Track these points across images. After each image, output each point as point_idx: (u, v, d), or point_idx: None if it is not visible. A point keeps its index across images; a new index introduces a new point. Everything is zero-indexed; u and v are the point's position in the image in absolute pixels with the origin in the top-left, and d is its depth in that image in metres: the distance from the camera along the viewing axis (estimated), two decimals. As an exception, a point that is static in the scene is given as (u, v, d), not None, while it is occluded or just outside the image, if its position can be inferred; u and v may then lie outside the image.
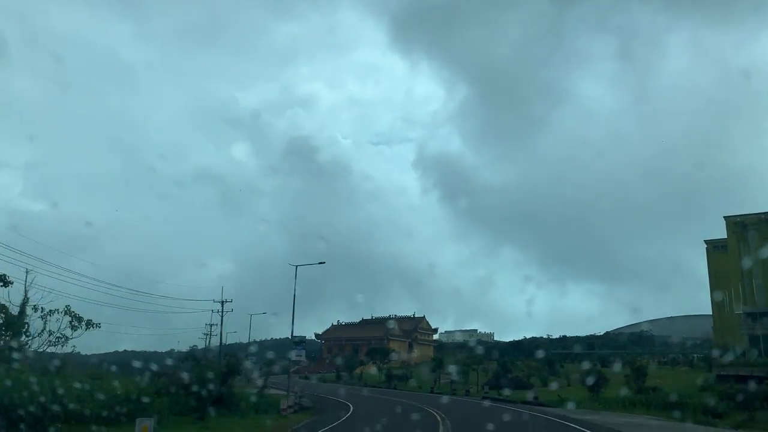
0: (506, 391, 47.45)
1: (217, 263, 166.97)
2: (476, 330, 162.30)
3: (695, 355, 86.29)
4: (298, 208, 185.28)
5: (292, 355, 51.63)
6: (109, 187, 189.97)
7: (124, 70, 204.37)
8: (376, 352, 79.83)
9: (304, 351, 56.85)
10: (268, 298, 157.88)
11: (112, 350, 74.12)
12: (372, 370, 78.76)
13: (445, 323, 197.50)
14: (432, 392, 53.31)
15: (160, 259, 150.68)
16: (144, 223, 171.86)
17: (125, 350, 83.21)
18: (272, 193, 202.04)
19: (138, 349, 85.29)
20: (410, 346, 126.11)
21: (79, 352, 36.20)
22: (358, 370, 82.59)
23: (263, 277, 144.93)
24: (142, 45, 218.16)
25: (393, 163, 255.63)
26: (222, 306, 65.19)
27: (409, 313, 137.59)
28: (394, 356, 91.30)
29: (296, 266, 42.75)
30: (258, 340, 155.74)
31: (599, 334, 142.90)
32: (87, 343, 35.21)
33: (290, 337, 49.53)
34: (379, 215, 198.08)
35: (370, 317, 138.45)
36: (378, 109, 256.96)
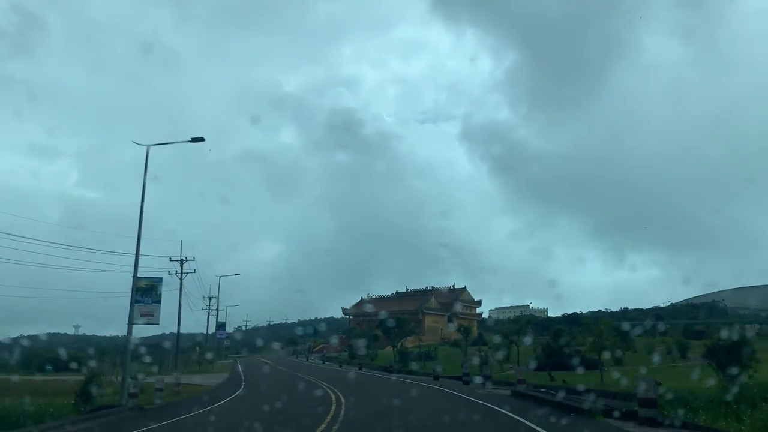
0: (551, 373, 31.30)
1: (267, 244, 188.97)
2: (528, 305, 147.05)
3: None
4: (344, 187, 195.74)
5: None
6: (158, 172, 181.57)
7: (168, 56, 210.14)
8: (396, 328, 63.66)
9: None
10: (317, 275, 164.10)
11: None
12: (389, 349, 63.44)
13: (495, 299, 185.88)
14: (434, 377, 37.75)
15: (213, 240, 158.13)
16: (194, 207, 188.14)
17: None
18: (318, 172, 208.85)
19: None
20: (449, 320, 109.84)
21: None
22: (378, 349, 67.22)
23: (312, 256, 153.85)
24: (184, 29, 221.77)
25: (439, 138, 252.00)
26: (181, 265, 51.94)
27: (449, 283, 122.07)
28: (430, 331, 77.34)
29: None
30: (306, 319, 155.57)
31: (664, 305, 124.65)
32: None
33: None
34: (427, 191, 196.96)
35: (405, 290, 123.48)
36: (423, 84, 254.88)
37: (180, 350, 60.82)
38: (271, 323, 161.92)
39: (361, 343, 64.44)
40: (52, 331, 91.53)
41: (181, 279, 54.85)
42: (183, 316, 54.77)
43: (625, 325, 45.41)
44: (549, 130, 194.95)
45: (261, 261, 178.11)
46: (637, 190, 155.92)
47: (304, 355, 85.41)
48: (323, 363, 66.19)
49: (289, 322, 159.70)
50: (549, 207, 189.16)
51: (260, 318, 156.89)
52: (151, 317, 33.22)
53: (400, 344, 57.31)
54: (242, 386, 33.96)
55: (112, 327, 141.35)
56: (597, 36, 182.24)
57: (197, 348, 65.19)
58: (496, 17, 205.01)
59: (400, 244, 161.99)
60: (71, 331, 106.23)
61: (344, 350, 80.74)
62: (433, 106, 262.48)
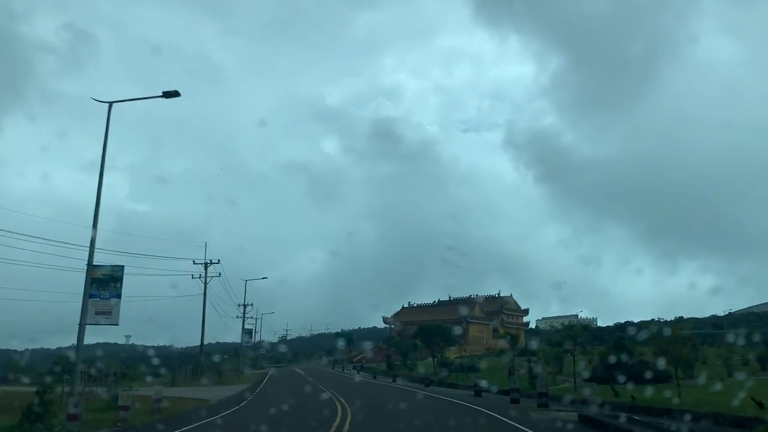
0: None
1: (310, 253, 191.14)
2: (577, 315, 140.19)
3: None
4: (386, 196, 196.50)
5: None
6: (205, 184, 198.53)
7: (213, 70, 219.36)
8: (437, 337, 59.15)
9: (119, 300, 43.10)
10: (360, 285, 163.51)
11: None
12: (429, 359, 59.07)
13: (542, 309, 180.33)
14: (473, 392, 32.93)
15: (257, 251, 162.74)
16: (239, 218, 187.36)
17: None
18: (360, 182, 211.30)
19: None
20: (494, 330, 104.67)
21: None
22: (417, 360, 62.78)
23: (355, 265, 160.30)
24: (229, 44, 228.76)
25: (482, 146, 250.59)
26: (206, 268, 49.12)
27: (494, 292, 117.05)
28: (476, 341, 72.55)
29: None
30: (348, 329, 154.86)
31: (722, 314, 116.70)
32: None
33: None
34: (470, 199, 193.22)
35: (448, 298, 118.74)
36: (465, 93, 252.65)
37: (211, 360, 58.48)
38: (313, 333, 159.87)
39: (399, 353, 60.25)
40: (104, 341, 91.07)
41: (205, 283, 51.79)
42: (222, 324, 52.33)
43: (689, 333, 39.90)
44: (596, 135, 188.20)
45: (304, 270, 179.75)
46: (690, 194, 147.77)
47: (341, 365, 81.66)
48: (357, 373, 62.46)
49: (331, 331, 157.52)
50: (597, 213, 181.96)
51: (303, 328, 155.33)
52: (109, 316, 27.66)
53: (440, 354, 53.02)
54: (244, 402, 30.05)
55: (164, 337, 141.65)
56: (645, 35, 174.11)
57: (222, 357, 62.12)
58: (540, 21, 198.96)
59: (443, 253, 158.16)
60: (122, 341, 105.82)
61: (384, 360, 76.84)
62: (476, 115, 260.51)
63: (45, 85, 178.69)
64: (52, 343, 67.75)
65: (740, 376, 31.30)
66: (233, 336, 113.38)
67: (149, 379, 32.06)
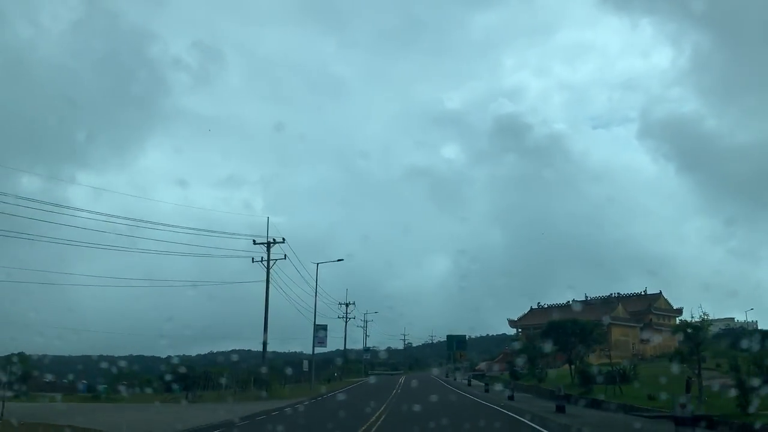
0: None
1: (435, 258, 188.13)
2: (733, 318, 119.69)
3: None
4: (512, 197, 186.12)
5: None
6: (332, 194, 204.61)
7: (334, 82, 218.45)
8: (574, 341, 45.93)
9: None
10: (486, 289, 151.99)
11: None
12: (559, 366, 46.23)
13: (691, 311, 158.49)
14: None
15: (381, 257, 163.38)
16: (367, 226, 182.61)
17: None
18: (484, 185, 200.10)
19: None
20: (642, 332, 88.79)
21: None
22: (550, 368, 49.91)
23: (481, 269, 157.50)
24: (348, 56, 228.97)
25: (614, 140, 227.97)
26: (268, 248, 40.75)
27: (639, 290, 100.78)
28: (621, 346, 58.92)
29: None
30: (475, 336, 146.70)
31: None
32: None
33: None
34: (604, 197, 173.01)
35: (584, 298, 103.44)
36: (591, 88, 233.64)
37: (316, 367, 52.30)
38: (434, 339, 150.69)
39: (523, 360, 48.02)
40: (244, 348, 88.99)
41: (268, 266, 42.97)
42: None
43: None
44: (745, 119, 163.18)
45: (429, 276, 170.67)
46: None
47: (460, 373, 69.89)
48: (468, 384, 51.03)
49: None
50: (751, 204, 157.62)
51: (430, 335, 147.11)
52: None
53: (578, 360, 40.25)
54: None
55: (296, 343, 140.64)
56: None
57: (304, 364, 53.23)
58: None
59: (576, 252, 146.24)
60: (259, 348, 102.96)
61: (507, 368, 64.86)
62: (605, 109, 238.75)
63: (177, 101, 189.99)
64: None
65: None
66: (355, 343, 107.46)
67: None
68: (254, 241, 43.47)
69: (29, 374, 56.84)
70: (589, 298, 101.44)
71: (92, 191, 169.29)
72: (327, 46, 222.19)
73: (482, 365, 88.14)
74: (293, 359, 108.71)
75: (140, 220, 38.01)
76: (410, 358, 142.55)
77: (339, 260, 54.35)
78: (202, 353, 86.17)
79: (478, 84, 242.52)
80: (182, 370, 34.09)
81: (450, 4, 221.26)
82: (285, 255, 44.24)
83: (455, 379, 63.25)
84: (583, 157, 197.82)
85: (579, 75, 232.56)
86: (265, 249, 45.72)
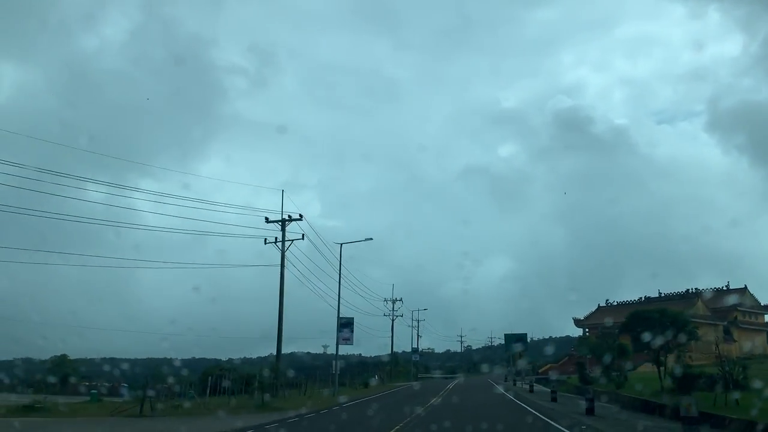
0: None
1: (494, 260, 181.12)
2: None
3: None
4: (573, 196, 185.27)
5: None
6: (388, 197, 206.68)
7: (389, 85, 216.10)
8: (658, 329, 38.14)
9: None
10: (549, 290, 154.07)
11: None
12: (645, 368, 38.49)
13: None
14: None
15: (440, 259, 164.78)
16: (424, 229, 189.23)
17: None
18: (544, 183, 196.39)
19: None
20: (726, 332, 79.42)
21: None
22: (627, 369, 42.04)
23: (543, 269, 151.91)
24: (402, 58, 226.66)
25: (681, 135, 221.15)
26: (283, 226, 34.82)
27: (720, 285, 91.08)
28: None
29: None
30: (537, 338, 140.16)
31: None
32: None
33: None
34: (672, 192, 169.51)
35: (658, 294, 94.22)
36: (655, 81, 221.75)
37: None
38: (494, 341, 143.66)
39: (597, 360, 40.66)
40: (303, 350, 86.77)
41: (283, 247, 37.33)
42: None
43: None
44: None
45: (489, 278, 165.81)
46: None
47: (513, 377, 62.10)
48: (530, 390, 43.68)
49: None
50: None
51: (489, 337, 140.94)
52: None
53: (674, 360, 32.65)
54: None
55: (358, 347, 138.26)
56: None
57: (334, 365, 47.01)
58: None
59: (643, 251, 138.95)
60: (320, 351, 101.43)
61: (576, 371, 57.35)
62: (670, 102, 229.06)
63: (235, 106, 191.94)
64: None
65: None
66: (404, 344, 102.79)
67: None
68: (267, 218, 38.02)
69: (67, 377, 53.91)
70: (663, 294, 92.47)
71: (155, 198, 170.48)
72: (381, 49, 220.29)
73: (546, 368, 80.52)
74: (351, 361, 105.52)
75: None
76: (468, 362, 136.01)
77: (368, 239, 48.23)
78: (263, 355, 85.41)
79: (536, 82, 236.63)
80: (185, 372, 28.69)
81: (505, 1, 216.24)
82: (303, 235, 38.85)
83: (514, 384, 55.98)
84: (647, 154, 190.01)
85: (641, 69, 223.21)
86: (299, 239, 40.54)
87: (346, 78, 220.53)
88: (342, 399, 35.88)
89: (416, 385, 59.95)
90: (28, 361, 54.10)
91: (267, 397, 32.43)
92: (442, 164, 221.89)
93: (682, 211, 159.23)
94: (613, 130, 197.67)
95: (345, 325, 46.78)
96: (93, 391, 34.94)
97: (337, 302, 45.78)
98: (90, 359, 58.95)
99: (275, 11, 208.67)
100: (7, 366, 45.28)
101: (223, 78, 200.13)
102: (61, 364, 63.70)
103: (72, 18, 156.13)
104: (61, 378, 52.68)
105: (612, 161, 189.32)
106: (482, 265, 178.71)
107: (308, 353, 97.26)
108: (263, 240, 38.29)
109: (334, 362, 46.54)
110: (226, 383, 35.30)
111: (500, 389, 47.21)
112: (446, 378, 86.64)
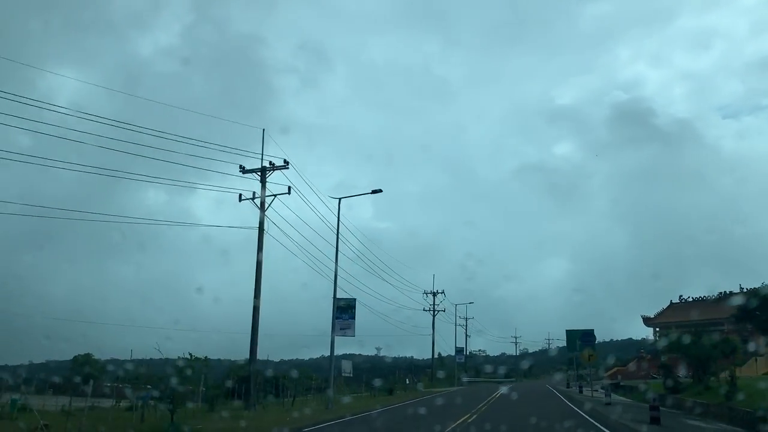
0: None
1: (552, 261, 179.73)
2: None
3: None
4: (634, 193, 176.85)
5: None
6: (441, 197, 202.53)
7: (439, 84, 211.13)
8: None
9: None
10: (611, 291, 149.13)
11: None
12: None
13: None
14: None
15: (495, 260, 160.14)
16: (478, 229, 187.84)
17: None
18: (603, 181, 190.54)
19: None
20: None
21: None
22: (720, 375, 32.99)
23: (604, 269, 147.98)
24: (452, 57, 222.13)
25: (748, 129, 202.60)
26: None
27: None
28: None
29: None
30: (599, 342, 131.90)
31: None
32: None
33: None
34: (739, 189, 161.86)
35: (740, 288, 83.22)
36: (716, 75, 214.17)
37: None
38: (550, 344, 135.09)
39: (688, 363, 32.02)
40: (353, 353, 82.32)
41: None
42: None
43: None
44: None
45: (546, 278, 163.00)
46: None
47: (578, 383, 52.81)
48: (608, 401, 34.45)
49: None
50: None
51: (540, 338, 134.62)
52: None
53: None
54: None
55: (411, 349, 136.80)
56: None
57: (344, 364, 39.67)
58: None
59: (709, 248, 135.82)
60: (372, 353, 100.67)
61: (653, 376, 48.41)
62: (736, 96, 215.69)
63: (285, 107, 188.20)
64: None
65: None
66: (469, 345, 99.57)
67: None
68: (242, 167, 30.86)
69: (91, 377, 48.85)
70: (744, 289, 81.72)
71: (212, 200, 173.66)
72: (431, 48, 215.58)
73: (611, 372, 71.32)
74: (401, 365, 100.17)
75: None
76: (524, 365, 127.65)
77: (376, 191, 36.15)
78: (315, 357, 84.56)
79: (591, 78, 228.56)
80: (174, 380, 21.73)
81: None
82: (289, 188, 31.48)
83: (580, 392, 46.79)
84: (713, 150, 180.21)
85: (703, 63, 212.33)
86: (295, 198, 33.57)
87: (395, 77, 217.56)
88: (326, 416, 26.90)
89: (456, 392, 51.73)
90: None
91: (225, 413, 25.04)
92: (495, 163, 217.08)
93: (750, 206, 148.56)
94: (674, 126, 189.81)
95: (344, 309, 35.40)
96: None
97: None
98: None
99: (324, 13, 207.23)
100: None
101: (273, 78, 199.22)
102: (86, 364, 59.65)
103: (123, 19, 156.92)
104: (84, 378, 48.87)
105: (674, 158, 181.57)
106: (538, 266, 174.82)
107: (360, 355, 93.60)
108: (238, 196, 30.98)
109: (343, 362, 38.89)
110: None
111: (564, 400, 38.59)
112: (498, 383, 78.40)
